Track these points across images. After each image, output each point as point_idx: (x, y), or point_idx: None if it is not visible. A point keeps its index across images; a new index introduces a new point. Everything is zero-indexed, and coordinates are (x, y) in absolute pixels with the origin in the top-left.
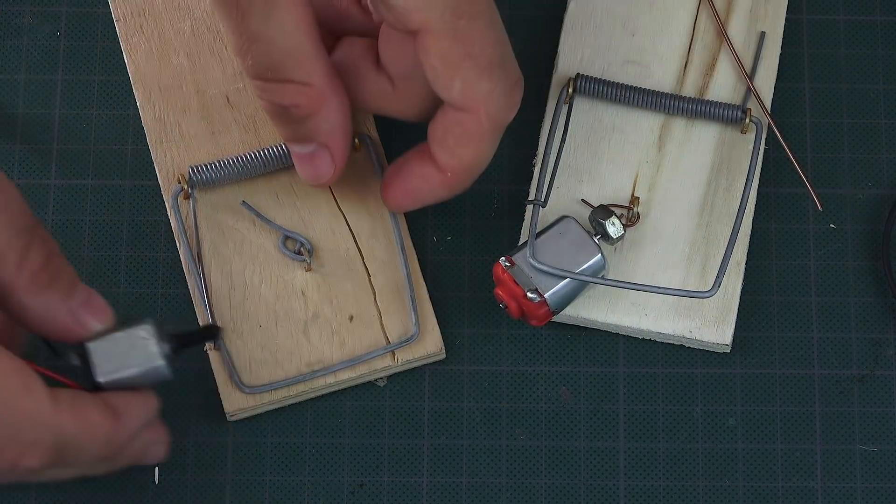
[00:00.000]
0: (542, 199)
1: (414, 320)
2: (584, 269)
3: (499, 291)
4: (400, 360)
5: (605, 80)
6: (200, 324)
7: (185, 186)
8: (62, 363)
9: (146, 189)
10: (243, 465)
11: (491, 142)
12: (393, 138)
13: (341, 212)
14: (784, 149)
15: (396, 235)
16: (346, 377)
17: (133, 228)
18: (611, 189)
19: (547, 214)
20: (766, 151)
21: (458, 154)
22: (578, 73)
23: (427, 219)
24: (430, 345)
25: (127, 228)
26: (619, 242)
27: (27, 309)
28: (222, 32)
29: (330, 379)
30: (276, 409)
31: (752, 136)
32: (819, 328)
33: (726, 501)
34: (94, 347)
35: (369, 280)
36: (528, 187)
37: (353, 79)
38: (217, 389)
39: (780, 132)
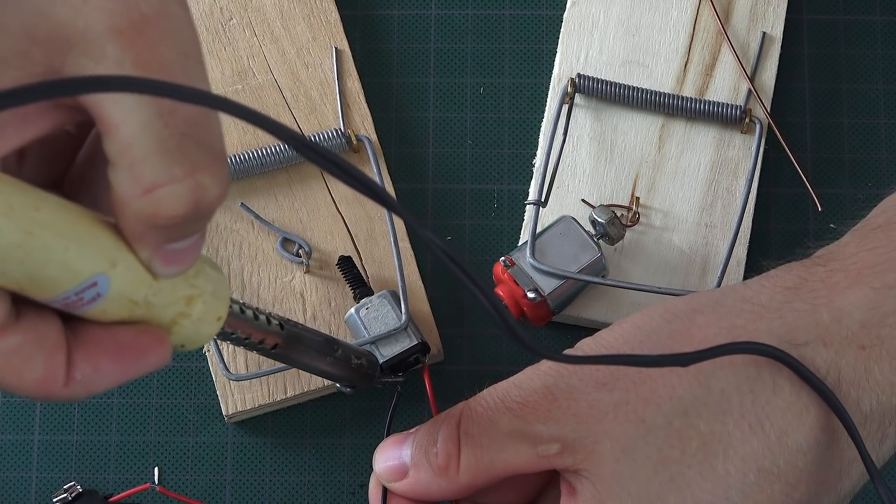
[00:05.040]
0: (542, 199)
1: (403, 310)
2: (584, 269)
3: (499, 291)
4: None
5: (605, 80)
6: None
7: None
8: None
9: None
10: (243, 465)
11: None
12: (392, 140)
13: (340, 214)
14: (784, 149)
15: (392, 237)
16: None
17: None
18: (611, 189)
19: (547, 214)
20: (766, 151)
21: None
22: (578, 73)
23: (427, 219)
24: (429, 346)
25: None
26: (620, 242)
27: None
28: (221, 32)
29: (328, 380)
30: (275, 410)
31: (752, 136)
32: None
33: None
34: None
35: (367, 282)
36: (528, 187)
37: None
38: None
39: (780, 132)
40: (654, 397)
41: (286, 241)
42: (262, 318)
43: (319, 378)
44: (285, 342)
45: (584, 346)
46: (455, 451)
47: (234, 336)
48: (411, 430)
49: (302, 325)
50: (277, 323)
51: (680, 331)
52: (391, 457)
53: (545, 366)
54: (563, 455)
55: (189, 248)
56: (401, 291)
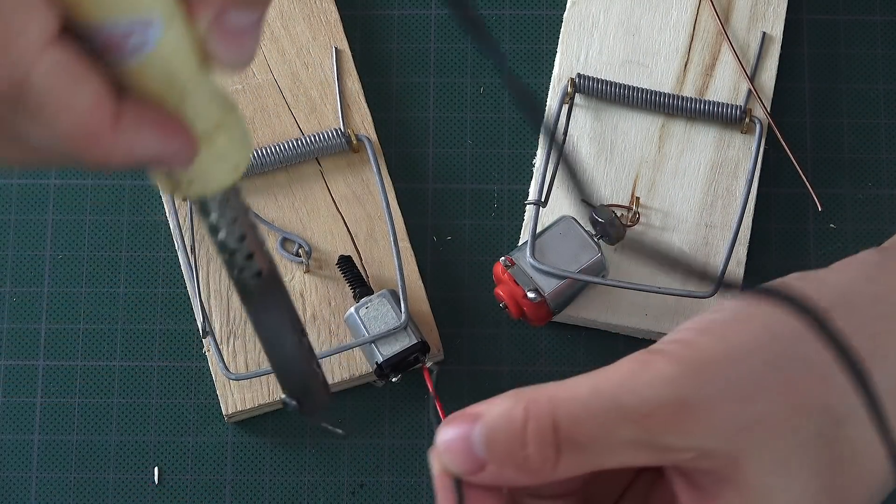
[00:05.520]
0: (542, 199)
1: (403, 309)
2: (584, 269)
3: (499, 291)
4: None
5: (605, 80)
6: (199, 324)
7: None
8: None
9: (146, 189)
10: (243, 465)
11: None
12: (392, 140)
13: (340, 213)
14: (784, 149)
15: (392, 237)
16: (344, 378)
17: (133, 228)
18: (611, 189)
19: (547, 214)
20: (766, 151)
21: None
22: (578, 73)
23: (427, 219)
24: (428, 345)
25: (127, 228)
26: (620, 242)
27: None
28: None
29: (328, 380)
30: (275, 410)
31: (752, 136)
32: None
33: None
34: None
35: (367, 282)
36: (528, 187)
37: None
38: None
39: (780, 132)
40: (803, 407)
41: (286, 241)
42: (261, 237)
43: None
44: (269, 278)
45: (709, 348)
46: (553, 455)
47: (233, 225)
48: (470, 413)
49: None
50: (269, 255)
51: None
52: (459, 448)
53: (669, 372)
54: (699, 461)
55: (248, 29)
56: (400, 291)
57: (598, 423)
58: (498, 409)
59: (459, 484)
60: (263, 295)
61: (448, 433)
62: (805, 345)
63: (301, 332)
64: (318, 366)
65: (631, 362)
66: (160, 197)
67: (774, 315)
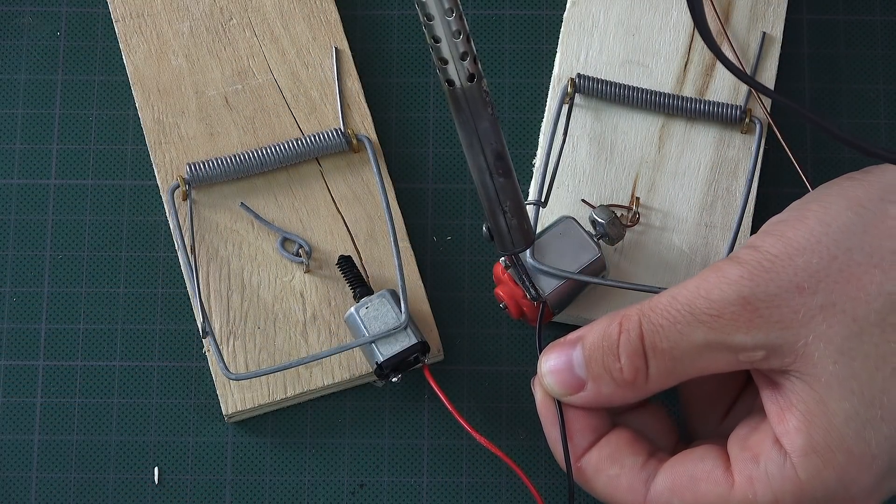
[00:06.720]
0: (542, 200)
1: (403, 309)
2: (584, 269)
3: (499, 291)
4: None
5: (605, 80)
6: (199, 324)
7: (183, 185)
8: None
9: (146, 189)
10: (243, 465)
11: None
12: (392, 140)
13: (340, 213)
14: (784, 149)
15: (392, 237)
16: (344, 378)
17: (133, 228)
18: (611, 189)
19: (547, 214)
20: (766, 151)
21: None
22: (578, 73)
23: (427, 219)
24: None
25: (127, 228)
26: (620, 242)
27: None
28: (221, 32)
29: (328, 380)
30: (275, 410)
31: (752, 136)
32: None
33: None
34: None
35: (367, 282)
36: (528, 187)
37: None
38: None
39: (780, 132)
40: (862, 295)
41: (286, 241)
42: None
43: (319, 377)
44: (477, 88)
45: (769, 247)
46: (643, 364)
47: (448, 17)
48: (571, 338)
49: None
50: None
51: (874, 223)
52: (561, 369)
53: (734, 274)
54: (770, 359)
55: None
56: (401, 291)
57: (676, 328)
58: (596, 329)
59: (560, 407)
60: (470, 103)
61: (551, 358)
62: (862, 234)
63: (498, 170)
64: (513, 209)
65: (707, 270)
66: (160, 197)
67: (829, 208)
